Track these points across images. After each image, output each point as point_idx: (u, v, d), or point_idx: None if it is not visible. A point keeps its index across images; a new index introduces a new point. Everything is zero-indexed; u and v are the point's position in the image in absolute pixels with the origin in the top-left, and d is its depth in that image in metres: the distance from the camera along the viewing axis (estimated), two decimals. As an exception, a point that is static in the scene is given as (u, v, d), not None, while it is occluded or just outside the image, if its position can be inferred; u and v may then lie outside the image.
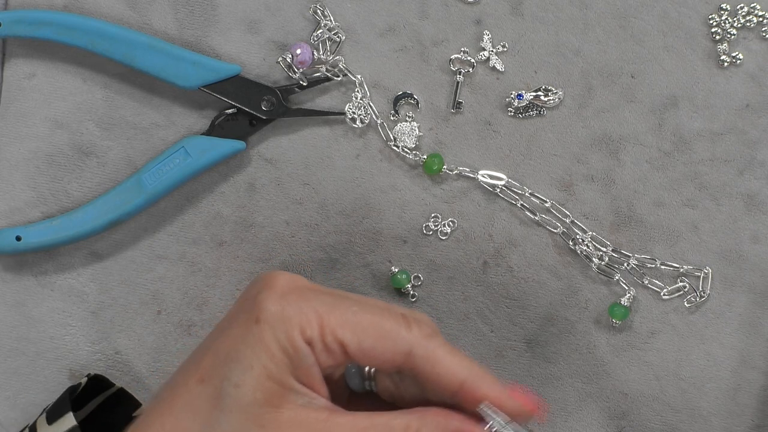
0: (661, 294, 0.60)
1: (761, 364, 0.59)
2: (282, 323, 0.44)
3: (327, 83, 0.60)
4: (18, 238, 0.58)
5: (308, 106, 0.61)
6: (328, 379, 0.46)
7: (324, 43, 0.60)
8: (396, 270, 0.60)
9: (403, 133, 0.60)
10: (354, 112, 0.60)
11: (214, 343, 0.45)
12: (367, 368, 0.48)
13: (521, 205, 0.60)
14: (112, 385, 0.58)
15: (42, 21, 0.58)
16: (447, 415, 0.45)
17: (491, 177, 0.60)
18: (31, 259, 0.60)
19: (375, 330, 0.45)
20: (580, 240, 0.60)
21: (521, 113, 0.60)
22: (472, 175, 0.60)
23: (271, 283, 0.45)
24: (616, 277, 0.59)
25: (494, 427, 0.45)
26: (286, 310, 0.44)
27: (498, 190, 0.60)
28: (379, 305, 0.46)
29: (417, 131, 0.60)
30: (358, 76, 0.60)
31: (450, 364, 0.45)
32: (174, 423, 0.44)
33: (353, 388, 0.49)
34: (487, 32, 0.60)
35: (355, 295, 0.46)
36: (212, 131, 0.60)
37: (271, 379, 0.43)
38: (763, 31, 0.60)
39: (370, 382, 0.49)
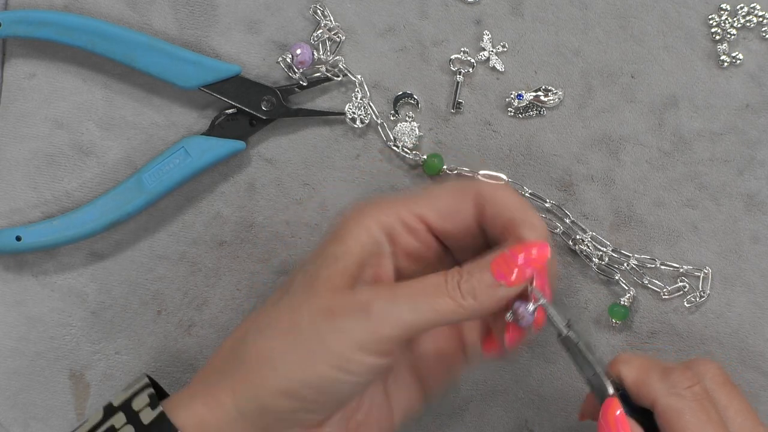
0: (661, 294, 0.60)
1: (761, 364, 0.59)
2: (353, 223, 0.50)
3: (327, 83, 0.60)
4: (18, 238, 0.58)
5: (308, 106, 0.61)
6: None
7: (324, 43, 0.60)
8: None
9: (403, 133, 0.60)
10: (354, 112, 0.60)
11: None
12: None
13: (521, 205, 0.60)
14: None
15: (42, 21, 0.58)
16: (487, 256, 0.49)
17: (491, 177, 0.60)
18: (31, 259, 0.60)
19: (444, 195, 0.51)
20: (580, 240, 0.60)
21: (521, 113, 0.60)
22: (472, 175, 0.60)
23: (345, 213, 0.52)
24: (616, 277, 0.59)
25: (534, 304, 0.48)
26: (362, 212, 0.51)
27: (498, 190, 0.60)
28: (438, 184, 0.53)
29: (417, 131, 0.60)
30: (358, 76, 0.60)
31: (512, 204, 0.50)
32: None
33: None
34: (487, 32, 0.60)
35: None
36: (212, 131, 0.60)
37: (338, 261, 0.49)
38: (763, 31, 0.60)
39: None
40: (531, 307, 0.48)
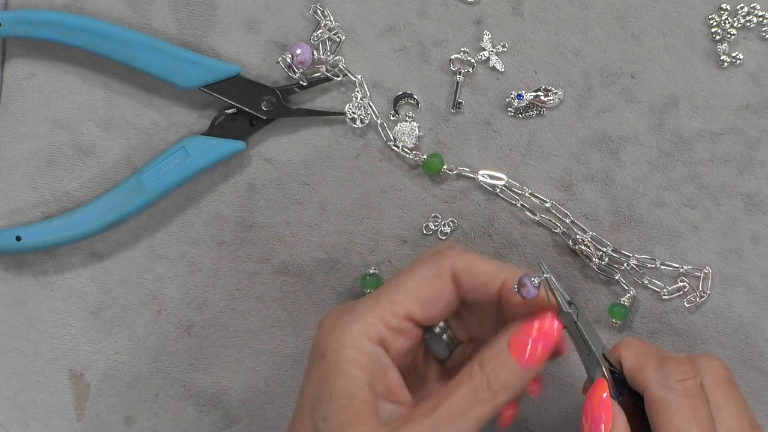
0: (661, 294, 0.60)
1: (761, 364, 0.59)
2: (345, 344, 0.47)
3: (327, 83, 0.60)
4: (18, 238, 0.58)
5: (308, 106, 0.61)
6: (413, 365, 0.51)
7: (324, 43, 0.60)
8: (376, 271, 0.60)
9: (403, 133, 0.60)
10: (354, 112, 0.60)
11: (300, 400, 0.48)
12: (444, 336, 0.53)
13: (521, 205, 0.60)
14: None
15: (42, 21, 0.58)
16: (500, 339, 0.48)
17: (491, 177, 0.60)
18: (31, 259, 0.60)
19: (422, 284, 0.49)
20: (580, 240, 0.60)
21: (521, 113, 0.60)
22: (472, 175, 0.60)
23: (321, 324, 0.48)
24: (616, 277, 0.59)
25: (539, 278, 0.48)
26: (343, 331, 0.47)
27: (498, 190, 0.60)
28: (409, 269, 0.50)
29: (417, 131, 0.60)
30: (358, 76, 0.60)
31: (488, 268, 0.49)
32: None
33: (440, 357, 0.53)
34: (487, 32, 0.60)
35: (392, 279, 0.50)
36: (212, 131, 0.60)
37: (353, 399, 0.46)
38: (763, 31, 0.60)
39: (453, 344, 0.53)
40: (536, 279, 0.48)
